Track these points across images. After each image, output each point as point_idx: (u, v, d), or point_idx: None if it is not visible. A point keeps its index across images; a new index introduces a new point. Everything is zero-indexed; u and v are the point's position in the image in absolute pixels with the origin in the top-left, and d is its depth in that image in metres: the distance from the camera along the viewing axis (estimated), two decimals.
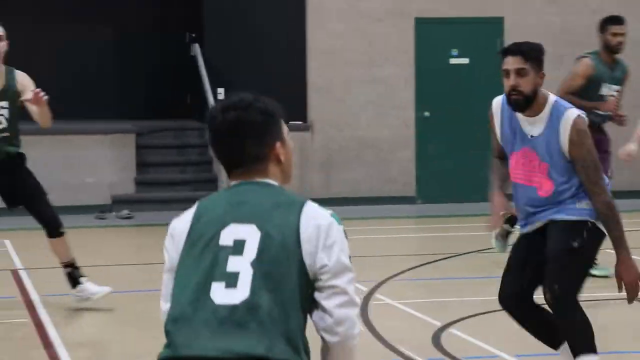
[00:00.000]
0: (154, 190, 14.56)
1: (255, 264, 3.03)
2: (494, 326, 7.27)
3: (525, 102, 5.49)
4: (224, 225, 3.10)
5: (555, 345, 5.65)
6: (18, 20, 14.95)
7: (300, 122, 14.63)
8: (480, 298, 8.20)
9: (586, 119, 5.52)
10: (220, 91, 14.52)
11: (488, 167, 5.95)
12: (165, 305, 3.16)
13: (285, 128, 3.24)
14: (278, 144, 3.20)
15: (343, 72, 14.78)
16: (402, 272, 9.52)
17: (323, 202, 13.79)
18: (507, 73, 5.49)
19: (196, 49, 15.16)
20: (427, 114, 14.98)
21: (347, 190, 14.61)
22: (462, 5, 14.79)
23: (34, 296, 8.49)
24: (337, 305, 3.09)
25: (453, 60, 14.81)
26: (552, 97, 5.55)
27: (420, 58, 14.87)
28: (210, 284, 3.02)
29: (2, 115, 7.76)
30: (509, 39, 14.87)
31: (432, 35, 14.81)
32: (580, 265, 5.55)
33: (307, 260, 3.07)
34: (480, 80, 14.02)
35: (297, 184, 14.46)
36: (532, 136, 5.52)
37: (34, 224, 8.14)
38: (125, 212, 13.92)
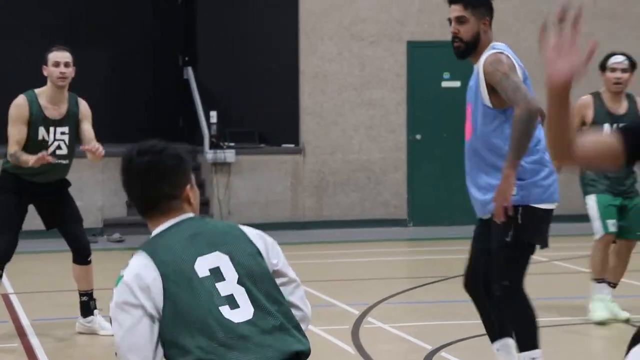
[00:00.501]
0: None
1: (240, 281, 3.31)
2: (486, 349, 7.25)
3: (465, 49, 5.57)
4: (191, 261, 3.30)
5: (493, 338, 5.75)
6: (11, 43, 14.99)
7: (292, 145, 14.64)
8: (472, 321, 8.14)
9: (505, 53, 5.48)
10: (213, 114, 14.53)
11: None
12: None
13: (192, 174, 3.54)
14: (188, 187, 3.49)
15: (335, 95, 14.80)
16: (394, 295, 9.51)
17: (315, 225, 13.90)
18: (450, 21, 5.59)
19: (189, 72, 15.17)
20: (418, 137, 14.99)
21: (339, 214, 14.60)
22: None
23: (25, 321, 8.46)
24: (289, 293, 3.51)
25: (445, 84, 14.84)
26: (493, 43, 5.57)
27: (412, 81, 14.90)
28: (218, 311, 3.25)
29: (62, 140, 7.79)
30: None
31: (424, 58, 14.84)
32: (516, 257, 5.58)
33: (266, 258, 3.43)
34: None
35: (289, 207, 14.46)
36: (470, 84, 5.62)
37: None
38: (116, 235, 13.90)
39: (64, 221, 7.91)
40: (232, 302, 3.27)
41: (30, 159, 7.41)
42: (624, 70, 8.14)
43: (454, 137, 14.39)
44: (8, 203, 7.71)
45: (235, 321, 3.25)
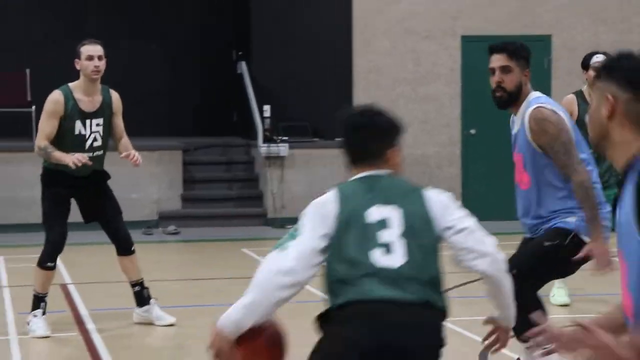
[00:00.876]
0: (201, 207, 14.65)
1: (404, 234, 3.79)
2: None
3: (508, 99, 5.57)
4: (368, 207, 3.83)
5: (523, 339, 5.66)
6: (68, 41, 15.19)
7: None
8: None
9: (548, 107, 5.50)
10: (266, 108, 14.60)
11: None
12: (288, 263, 3.78)
13: (399, 140, 4.04)
14: (396, 148, 4.02)
15: (389, 90, 14.81)
16: (448, 289, 9.50)
17: None
18: (492, 71, 5.58)
19: (243, 67, 15.27)
20: (473, 131, 14.96)
21: None
22: (509, 24, 14.78)
23: (83, 311, 8.58)
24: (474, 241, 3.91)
25: None
26: (532, 94, 5.58)
27: (466, 76, 14.87)
28: (372, 252, 3.75)
29: (98, 132, 7.83)
30: (557, 57, 14.87)
31: (478, 53, 14.80)
32: (544, 263, 5.57)
33: (438, 223, 3.87)
34: None
35: None
36: (514, 134, 5.62)
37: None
38: (172, 227, 14.03)
39: (104, 214, 7.93)
40: (387, 249, 3.77)
41: (65, 158, 7.45)
42: None
43: (509, 131, 14.32)
44: (54, 197, 7.76)
45: (384, 265, 3.75)
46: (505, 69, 5.56)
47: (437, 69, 14.85)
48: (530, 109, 5.53)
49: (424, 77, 14.85)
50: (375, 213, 3.83)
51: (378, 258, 3.75)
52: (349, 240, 3.79)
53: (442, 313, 3.88)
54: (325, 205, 3.86)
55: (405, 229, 3.81)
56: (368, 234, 3.79)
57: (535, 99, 5.57)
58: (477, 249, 3.89)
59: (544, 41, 14.82)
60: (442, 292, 3.90)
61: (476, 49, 14.75)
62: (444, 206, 3.91)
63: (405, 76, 14.84)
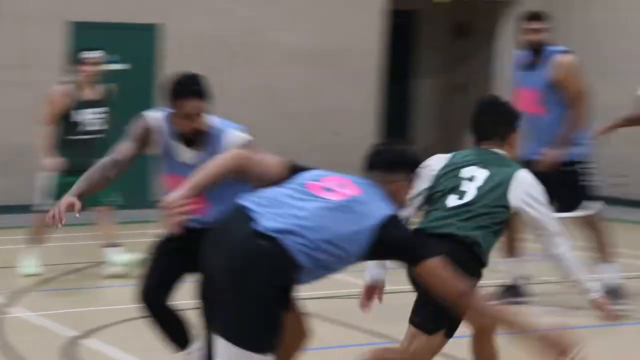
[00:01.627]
0: None
1: (478, 188, 5.01)
2: (132, 334, 7.11)
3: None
4: (464, 165, 5.12)
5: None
6: None
7: None
8: (120, 306, 7.94)
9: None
10: None
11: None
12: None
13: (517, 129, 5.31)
14: (514, 135, 5.27)
15: None
16: (40, 282, 9.16)
17: None
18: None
19: None
20: None
21: None
22: (115, 12, 14.46)
23: None
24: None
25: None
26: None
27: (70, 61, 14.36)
28: (448, 196, 5.03)
29: None
30: (166, 47, 14.75)
31: (86, 39, 14.41)
32: None
33: (511, 202, 5.02)
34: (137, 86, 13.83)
35: None
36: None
37: None
38: None
39: None
40: (461, 195, 5.00)
41: None
42: None
43: None
44: None
45: (452, 204, 4.99)
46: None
47: (40, 54, 14.18)
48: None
49: (27, 63, 14.11)
50: (468, 170, 5.09)
51: (451, 201, 5.02)
52: (442, 184, 5.13)
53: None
54: (437, 162, 5.27)
55: (481, 185, 5.01)
56: (457, 182, 5.07)
57: None
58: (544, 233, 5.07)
59: (152, 30, 14.64)
60: (483, 238, 4.93)
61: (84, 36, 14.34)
62: (522, 190, 5.01)
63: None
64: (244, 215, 4.11)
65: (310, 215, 4.13)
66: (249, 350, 4.02)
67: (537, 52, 8.39)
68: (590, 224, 8.37)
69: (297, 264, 4.06)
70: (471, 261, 4.84)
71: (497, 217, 4.97)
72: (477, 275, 4.89)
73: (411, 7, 17.53)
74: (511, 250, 8.48)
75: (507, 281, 8.47)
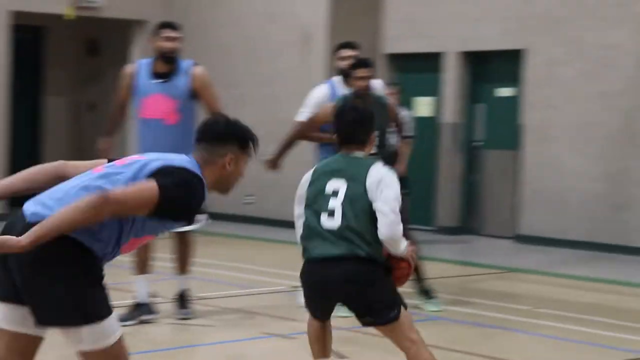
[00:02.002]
0: None
1: (343, 202, 5.41)
2: None
3: None
4: (326, 181, 5.50)
5: None
6: None
7: None
8: None
9: None
10: None
11: None
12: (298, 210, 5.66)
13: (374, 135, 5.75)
14: (372, 136, 5.69)
15: None
16: None
17: None
18: None
19: None
20: None
21: None
22: None
23: None
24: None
25: None
26: None
27: None
28: (321, 215, 5.46)
29: None
30: None
31: None
32: None
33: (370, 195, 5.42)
34: None
35: None
36: None
37: None
38: None
39: None
40: (331, 213, 5.40)
41: None
42: None
43: None
44: None
45: (325, 226, 5.41)
46: None
47: None
48: None
49: None
50: (330, 185, 5.48)
51: (324, 221, 5.45)
52: (309, 200, 5.65)
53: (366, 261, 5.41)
54: (307, 178, 5.69)
55: (345, 197, 5.41)
56: (324, 202, 5.48)
57: None
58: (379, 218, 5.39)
59: None
60: (368, 240, 5.36)
61: None
62: (377, 185, 5.38)
63: None
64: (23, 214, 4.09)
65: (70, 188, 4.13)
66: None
67: (170, 60, 8.36)
68: (181, 237, 8.46)
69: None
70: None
71: (370, 218, 5.39)
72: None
73: (38, 23, 17.00)
74: (142, 268, 8.36)
75: (138, 299, 8.34)
